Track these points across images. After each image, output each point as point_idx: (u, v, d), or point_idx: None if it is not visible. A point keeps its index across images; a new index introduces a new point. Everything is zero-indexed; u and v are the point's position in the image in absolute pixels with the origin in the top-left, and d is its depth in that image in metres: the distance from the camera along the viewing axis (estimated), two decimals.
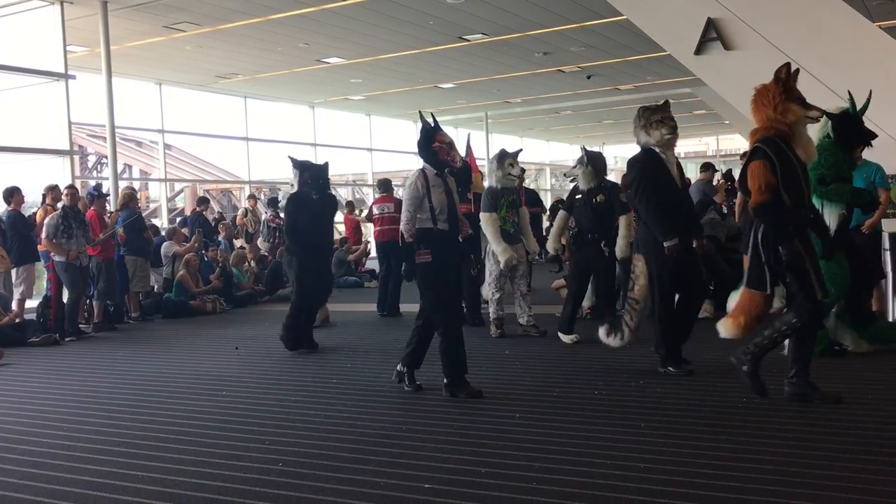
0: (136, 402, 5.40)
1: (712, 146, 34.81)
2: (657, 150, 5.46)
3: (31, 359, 7.48)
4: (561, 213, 7.49)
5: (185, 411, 5.06)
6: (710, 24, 8.41)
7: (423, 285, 5.17)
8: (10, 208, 9.27)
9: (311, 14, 12.34)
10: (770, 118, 4.49)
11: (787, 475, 3.38)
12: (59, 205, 8.96)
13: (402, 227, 5.16)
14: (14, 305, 9.03)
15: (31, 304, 9.28)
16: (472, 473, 3.59)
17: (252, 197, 16.31)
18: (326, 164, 7.39)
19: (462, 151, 6.87)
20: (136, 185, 19.97)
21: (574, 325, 7.07)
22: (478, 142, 11.59)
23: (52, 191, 9.56)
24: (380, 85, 18.31)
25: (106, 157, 13.02)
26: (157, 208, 20.02)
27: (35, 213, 9.98)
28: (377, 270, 10.49)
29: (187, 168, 21.33)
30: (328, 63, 15.90)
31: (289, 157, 7.48)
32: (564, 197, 8.55)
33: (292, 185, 7.55)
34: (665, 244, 5.31)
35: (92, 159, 21.71)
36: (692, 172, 16.61)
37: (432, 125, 5.26)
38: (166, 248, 11.12)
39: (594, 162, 6.94)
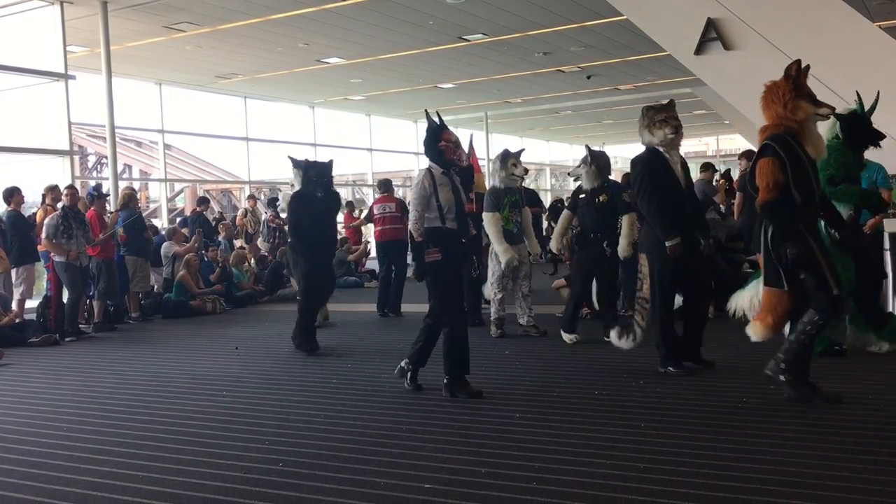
0: (135, 402, 5.40)
1: (712, 146, 34.82)
2: (661, 149, 5.47)
3: (31, 359, 7.47)
4: (565, 212, 7.50)
5: (185, 411, 5.05)
6: (710, 24, 8.41)
7: (433, 284, 5.16)
8: (9, 208, 9.26)
9: (311, 14, 12.34)
10: (780, 115, 4.46)
11: (787, 475, 3.38)
12: (59, 205, 8.96)
13: (410, 226, 5.15)
14: (14, 306, 9.03)
15: (31, 304, 9.27)
16: (472, 473, 3.59)
17: (252, 197, 16.31)
18: (331, 162, 7.36)
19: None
20: (136, 185, 19.98)
21: (576, 324, 7.07)
22: (478, 142, 11.58)
23: (52, 191, 9.55)
24: (380, 85, 18.31)
25: (106, 158, 13.02)
26: (157, 208, 20.02)
27: (35, 214, 9.98)
28: (377, 270, 10.48)
29: (187, 168, 21.33)
30: (328, 63, 15.91)
31: (289, 156, 7.47)
32: (564, 197, 8.55)
33: (292, 184, 7.53)
34: (667, 244, 5.31)
35: (92, 159, 21.72)
36: (692, 172, 16.60)
37: (438, 124, 5.25)
38: (166, 248, 11.12)
39: (598, 161, 6.94)
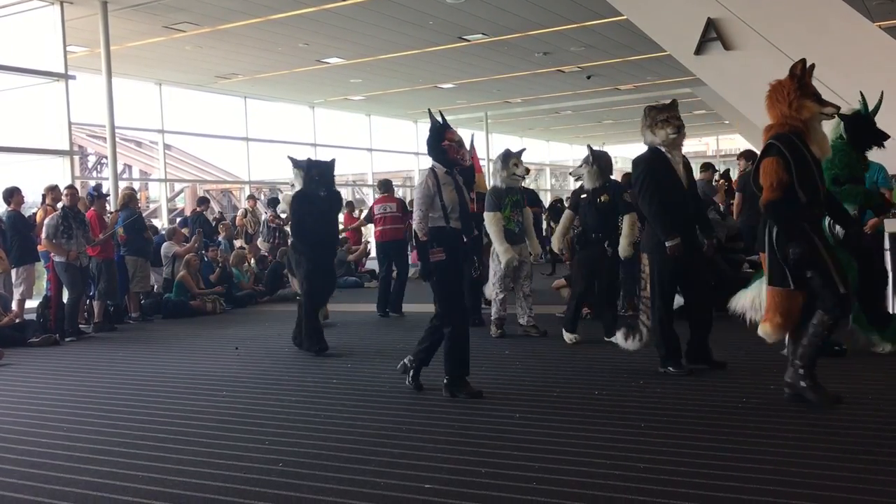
0: (135, 402, 5.40)
1: (712, 146, 34.83)
2: (663, 149, 5.47)
3: (30, 359, 7.47)
4: (567, 212, 7.50)
5: (185, 411, 5.05)
6: (710, 24, 8.41)
7: (436, 284, 5.14)
8: (9, 208, 9.27)
9: (311, 14, 12.34)
10: (785, 114, 4.46)
11: (787, 475, 3.38)
12: (59, 205, 8.96)
13: (415, 226, 5.14)
14: (14, 306, 9.03)
15: (31, 304, 9.27)
16: (472, 473, 3.59)
17: (251, 197, 16.31)
18: (333, 161, 7.34)
19: None
20: (136, 185, 19.98)
21: (577, 324, 7.07)
22: (478, 142, 11.61)
23: (52, 191, 9.55)
24: (380, 85, 18.31)
25: (106, 158, 13.02)
26: (157, 208, 20.02)
27: (35, 214, 9.98)
28: (377, 270, 10.48)
29: (187, 168, 21.34)
30: (328, 63, 15.91)
31: (288, 157, 7.45)
32: (564, 197, 8.56)
33: (292, 185, 7.52)
34: (667, 244, 5.32)
35: (92, 159, 21.72)
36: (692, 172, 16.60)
37: (441, 123, 5.24)
38: (166, 248, 11.12)
39: (600, 161, 6.95)
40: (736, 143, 29.54)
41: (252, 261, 12.83)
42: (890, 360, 5.65)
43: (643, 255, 5.64)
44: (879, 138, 5.63)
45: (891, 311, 6.67)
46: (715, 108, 20.94)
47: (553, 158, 32.96)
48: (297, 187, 7.28)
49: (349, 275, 13.93)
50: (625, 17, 10.61)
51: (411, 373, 5.34)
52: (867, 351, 5.82)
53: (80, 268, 8.76)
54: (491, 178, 7.57)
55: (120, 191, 11.23)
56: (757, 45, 8.18)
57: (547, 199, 23.15)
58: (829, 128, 5.41)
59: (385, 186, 10.34)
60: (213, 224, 13.61)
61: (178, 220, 15.50)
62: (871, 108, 5.71)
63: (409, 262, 10.96)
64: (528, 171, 7.67)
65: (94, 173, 21.01)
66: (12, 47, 11.65)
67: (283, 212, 8.21)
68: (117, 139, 12.89)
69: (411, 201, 7.18)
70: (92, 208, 9.49)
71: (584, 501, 3.22)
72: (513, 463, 3.71)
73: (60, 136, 11.46)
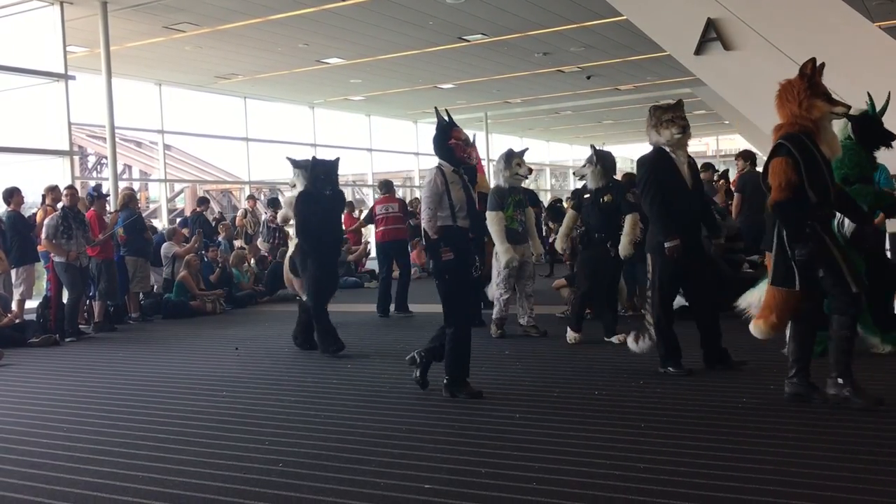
0: (135, 402, 5.40)
1: (712, 146, 34.83)
2: (668, 149, 5.46)
3: (30, 359, 7.47)
4: (570, 212, 7.50)
5: (185, 411, 5.05)
6: (710, 24, 8.40)
7: (443, 284, 5.10)
8: (9, 209, 9.27)
9: (311, 14, 12.33)
10: (795, 114, 4.43)
11: (787, 475, 3.38)
12: (59, 205, 8.96)
13: (424, 225, 5.10)
14: (14, 306, 9.03)
15: (31, 304, 9.28)
16: (472, 473, 3.59)
17: (251, 197, 16.31)
18: (338, 160, 7.31)
19: None
20: (136, 185, 19.98)
21: (582, 322, 7.06)
22: (478, 142, 11.63)
23: (52, 191, 9.55)
24: (380, 85, 18.31)
25: (106, 158, 13.01)
26: (157, 209, 20.02)
27: (35, 214, 9.98)
28: (377, 270, 10.47)
29: (187, 168, 21.34)
30: (328, 63, 15.90)
31: (287, 158, 7.42)
32: (564, 197, 8.55)
33: (292, 185, 7.49)
34: (666, 244, 5.31)
35: (92, 160, 21.72)
36: None
37: (448, 121, 5.21)
38: (166, 248, 11.12)
39: (603, 161, 6.95)
40: (736, 143, 29.54)
41: (252, 261, 12.83)
42: (890, 360, 5.65)
43: (648, 254, 5.64)
44: (887, 139, 5.61)
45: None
46: (715, 108, 20.95)
47: (553, 159, 32.96)
48: (298, 188, 7.25)
49: (349, 275, 13.93)
50: (625, 17, 10.61)
51: (418, 368, 5.29)
52: (868, 352, 5.81)
53: (80, 268, 8.76)
54: (493, 177, 7.57)
55: (120, 191, 11.23)
56: (757, 46, 8.16)
57: (546, 200, 23.15)
58: (837, 128, 5.39)
59: (386, 187, 10.34)
60: (213, 224, 13.61)
61: (178, 220, 15.50)
62: (878, 108, 5.70)
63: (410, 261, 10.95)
64: (531, 170, 7.68)
65: (94, 173, 21.01)
66: (12, 47, 11.65)
67: (286, 219, 7.95)
68: (117, 139, 12.88)
69: (412, 201, 7.16)
70: (92, 208, 9.48)
71: (584, 501, 3.22)
72: (513, 463, 3.71)
73: (60, 137, 11.45)
